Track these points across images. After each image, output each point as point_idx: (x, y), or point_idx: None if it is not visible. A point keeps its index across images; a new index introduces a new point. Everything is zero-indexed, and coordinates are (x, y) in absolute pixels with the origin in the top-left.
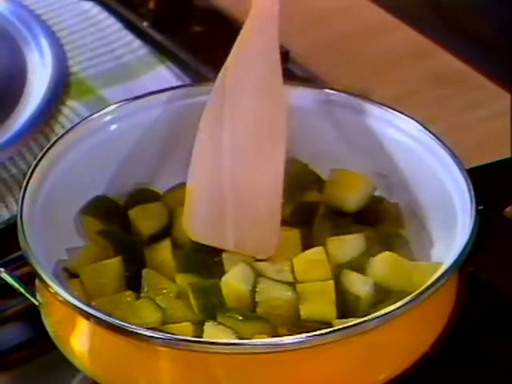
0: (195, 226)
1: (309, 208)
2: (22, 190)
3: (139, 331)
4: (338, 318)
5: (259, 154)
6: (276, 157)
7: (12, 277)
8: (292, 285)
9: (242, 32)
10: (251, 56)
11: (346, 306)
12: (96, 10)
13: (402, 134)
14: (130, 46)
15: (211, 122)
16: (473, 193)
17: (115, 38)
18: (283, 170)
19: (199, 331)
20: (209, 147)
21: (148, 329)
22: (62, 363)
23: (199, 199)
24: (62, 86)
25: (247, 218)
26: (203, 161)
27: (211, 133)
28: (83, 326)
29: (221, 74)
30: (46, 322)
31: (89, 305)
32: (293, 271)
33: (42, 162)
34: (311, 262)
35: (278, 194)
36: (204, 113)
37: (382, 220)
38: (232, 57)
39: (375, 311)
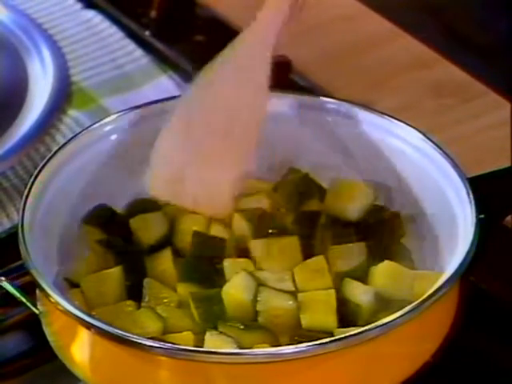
0: (157, 184)
1: (310, 217)
2: (23, 199)
3: (140, 341)
4: (339, 327)
5: (228, 134)
6: (246, 140)
7: (13, 286)
8: (293, 294)
9: (242, 34)
10: (243, 56)
11: (347, 315)
12: (98, 19)
13: (403, 144)
14: (131, 55)
15: (187, 103)
16: (473, 202)
17: (117, 48)
18: (251, 151)
19: (200, 341)
20: (180, 125)
21: (149, 338)
22: (63, 373)
23: (164, 160)
24: (63, 96)
25: (206, 184)
26: (173, 133)
27: (185, 111)
28: (84, 336)
29: (208, 66)
30: (47, 331)
31: (89, 314)
32: (294, 280)
33: (43, 171)
34: (312, 271)
35: (239, 164)
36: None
37: (383, 229)
38: (224, 53)
39: (376, 320)
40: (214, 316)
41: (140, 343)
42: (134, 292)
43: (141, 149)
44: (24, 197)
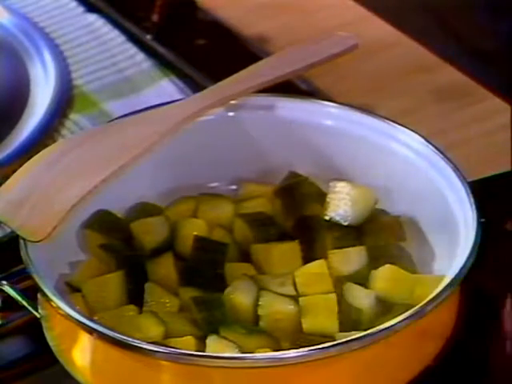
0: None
1: (310, 221)
2: None
3: (142, 345)
4: (341, 331)
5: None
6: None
7: (14, 290)
8: (294, 298)
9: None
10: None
11: (348, 319)
12: (100, 22)
13: (404, 148)
14: (133, 59)
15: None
16: (475, 206)
17: (118, 51)
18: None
19: (202, 345)
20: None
21: (150, 343)
22: (65, 377)
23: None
24: (65, 100)
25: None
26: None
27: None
28: (85, 340)
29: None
30: (48, 335)
31: (91, 319)
32: (295, 284)
33: None
34: (313, 275)
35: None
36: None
37: (384, 233)
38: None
39: (378, 324)
40: (215, 320)
41: (142, 348)
42: (136, 296)
43: None
44: None
